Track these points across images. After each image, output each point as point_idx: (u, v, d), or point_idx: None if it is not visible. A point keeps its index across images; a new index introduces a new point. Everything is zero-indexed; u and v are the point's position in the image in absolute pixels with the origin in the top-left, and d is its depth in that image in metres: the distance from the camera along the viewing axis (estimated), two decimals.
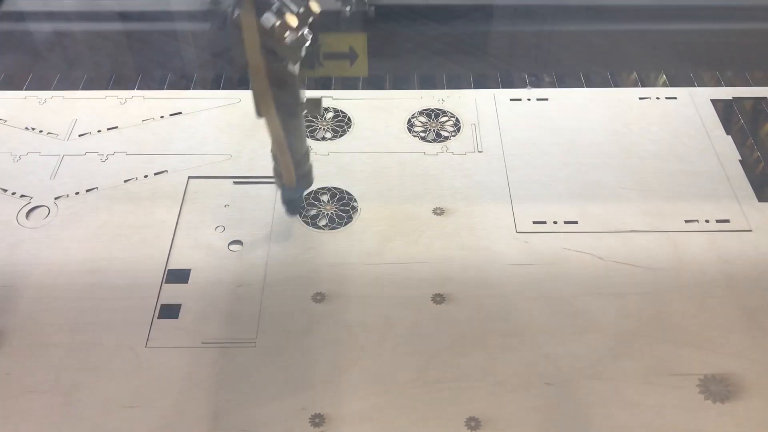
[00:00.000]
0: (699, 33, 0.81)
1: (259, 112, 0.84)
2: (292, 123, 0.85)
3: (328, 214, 1.08)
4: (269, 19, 0.73)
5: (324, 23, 0.74)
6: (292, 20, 0.72)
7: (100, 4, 0.82)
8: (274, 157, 0.94)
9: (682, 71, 1.26)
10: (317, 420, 0.84)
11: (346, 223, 1.07)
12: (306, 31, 0.74)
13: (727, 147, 1.18)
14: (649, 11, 0.80)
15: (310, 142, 1.20)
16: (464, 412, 0.84)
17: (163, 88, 1.34)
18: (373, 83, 1.28)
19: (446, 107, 1.26)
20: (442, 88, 1.34)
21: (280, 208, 1.08)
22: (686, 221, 1.06)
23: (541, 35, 0.81)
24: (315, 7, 0.73)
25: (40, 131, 1.22)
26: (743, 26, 0.80)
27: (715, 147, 1.18)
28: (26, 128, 1.22)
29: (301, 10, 0.73)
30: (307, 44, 0.75)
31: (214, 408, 0.85)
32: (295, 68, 0.78)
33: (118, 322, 0.94)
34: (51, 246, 1.03)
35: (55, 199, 1.10)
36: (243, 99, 1.28)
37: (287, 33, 0.73)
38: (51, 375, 0.88)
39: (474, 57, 0.80)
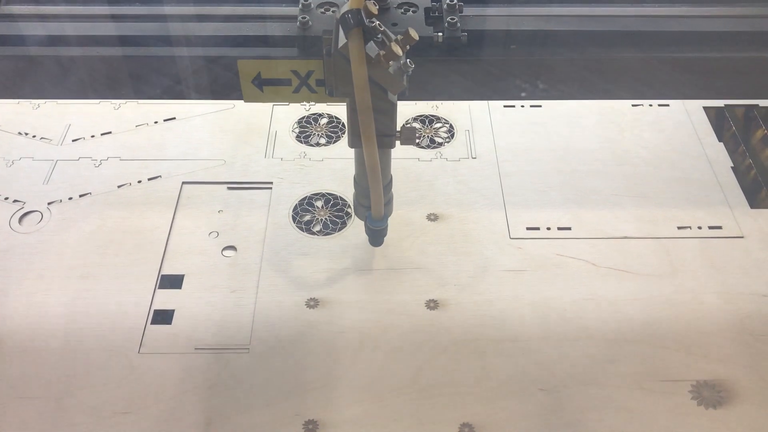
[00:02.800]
0: (691, 40, 0.81)
1: (354, 143, 0.81)
2: (384, 153, 0.83)
3: (321, 219, 1.08)
4: (372, 48, 0.71)
5: (416, 49, 0.72)
6: (398, 49, 0.69)
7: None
8: (357, 186, 0.91)
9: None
10: (310, 426, 0.84)
11: (339, 229, 1.07)
12: (408, 60, 0.72)
13: (719, 154, 1.19)
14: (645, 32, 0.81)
15: (304, 147, 1.20)
16: (458, 418, 0.85)
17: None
18: None
19: (440, 113, 1.27)
20: None
21: (275, 213, 1.08)
22: (679, 228, 1.07)
23: (533, 47, 0.81)
24: (414, 35, 0.70)
25: (34, 136, 1.22)
26: (735, 36, 0.81)
27: (707, 154, 1.19)
28: (19, 133, 1.22)
29: (400, 37, 0.70)
30: (409, 73, 0.73)
31: (208, 414, 0.85)
32: (395, 98, 0.77)
33: (111, 328, 0.93)
34: (44, 251, 1.03)
35: (48, 204, 1.10)
36: (237, 105, 1.28)
37: (391, 62, 0.71)
38: (43, 381, 0.88)
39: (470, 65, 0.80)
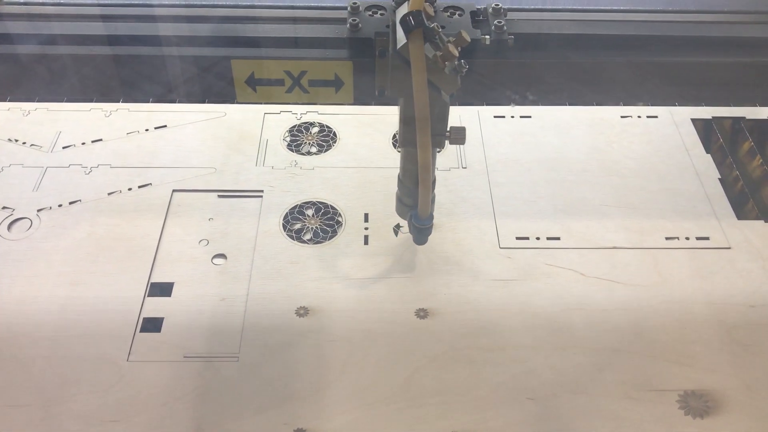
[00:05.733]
0: (681, 53, 0.83)
1: (406, 143, 0.83)
2: (433, 153, 0.85)
3: (312, 228, 1.09)
4: (428, 49, 0.73)
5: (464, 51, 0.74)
6: (455, 50, 0.72)
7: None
8: (402, 186, 0.92)
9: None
10: None
11: (330, 238, 1.07)
12: (462, 60, 0.74)
13: (706, 165, 1.20)
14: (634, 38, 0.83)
15: (295, 156, 1.20)
16: (447, 427, 0.85)
17: (148, 101, 1.34)
18: (359, 98, 1.29)
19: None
20: None
21: (266, 221, 1.08)
22: (667, 238, 1.07)
23: (524, 58, 0.82)
24: (466, 37, 0.72)
25: (24, 143, 1.21)
26: (723, 47, 0.83)
27: (695, 165, 1.20)
28: (9, 140, 1.22)
29: (452, 39, 0.72)
30: (463, 73, 0.74)
31: (197, 422, 0.84)
32: (448, 98, 0.78)
33: (100, 336, 0.93)
34: (33, 258, 1.02)
35: (38, 211, 1.09)
36: (228, 113, 1.29)
37: (447, 63, 0.73)
38: (31, 388, 0.87)
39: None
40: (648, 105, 1.32)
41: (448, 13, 0.82)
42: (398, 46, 0.73)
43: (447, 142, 0.83)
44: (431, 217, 0.92)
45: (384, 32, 0.79)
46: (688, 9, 0.85)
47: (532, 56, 0.82)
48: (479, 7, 0.82)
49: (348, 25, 0.80)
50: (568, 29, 0.82)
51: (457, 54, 0.72)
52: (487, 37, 0.78)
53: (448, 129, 0.82)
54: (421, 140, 0.79)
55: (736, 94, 0.88)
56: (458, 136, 0.82)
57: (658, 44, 0.83)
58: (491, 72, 0.82)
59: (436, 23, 0.73)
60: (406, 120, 0.80)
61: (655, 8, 0.85)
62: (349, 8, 0.81)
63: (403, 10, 0.73)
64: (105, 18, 0.83)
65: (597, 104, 1.32)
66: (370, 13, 0.82)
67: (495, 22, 0.80)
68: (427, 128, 0.77)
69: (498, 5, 0.81)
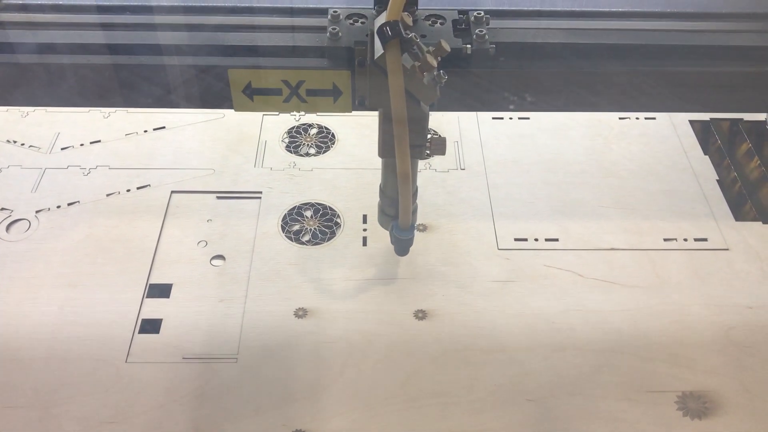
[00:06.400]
0: (679, 55, 0.83)
1: (386, 153, 0.82)
2: (412, 163, 0.84)
3: (311, 229, 1.09)
4: (407, 59, 0.72)
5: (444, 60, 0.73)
6: (433, 61, 0.71)
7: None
8: (383, 196, 0.91)
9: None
10: None
11: (329, 239, 1.07)
12: (441, 71, 0.73)
13: (704, 167, 1.20)
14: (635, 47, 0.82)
15: (293, 157, 1.20)
16: (446, 428, 0.85)
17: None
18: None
19: (429, 125, 1.27)
20: None
21: (264, 223, 1.08)
22: (665, 240, 1.08)
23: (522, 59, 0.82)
24: (446, 46, 0.71)
25: (22, 144, 1.21)
26: (722, 50, 0.83)
27: (692, 167, 1.20)
28: (8, 141, 1.22)
29: (431, 49, 0.72)
30: (442, 83, 0.73)
31: (195, 423, 0.84)
32: (426, 108, 0.77)
33: (99, 337, 0.93)
34: (32, 260, 1.02)
35: (36, 212, 1.09)
36: (227, 114, 1.29)
37: (426, 73, 0.72)
38: (29, 390, 0.87)
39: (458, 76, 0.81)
40: None
41: (430, 22, 0.81)
42: (375, 57, 0.72)
43: (428, 152, 0.82)
44: (413, 228, 0.91)
45: (363, 41, 0.78)
46: (683, 11, 0.85)
47: (520, 65, 0.81)
48: (461, 15, 0.81)
49: (328, 34, 0.78)
50: (553, 38, 0.82)
51: (435, 64, 0.71)
52: (469, 46, 0.77)
53: (429, 139, 0.81)
54: (400, 150, 0.78)
55: (734, 103, 0.87)
56: (438, 146, 0.82)
57: (647, 53, 0.82)
58: (470, 80, 0.81)
59: (414, 33, 0.72)
60: (385, 130, 0.79)
61: (634, 10, 0.85)
62: (329, 16, 0.80)
63: (381, 19, 0.72)
64: (101, 27, 0.83)
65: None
66: (351, 21, 0.81)
67: (476, 31, 0.79)
68: (405, 138, 0.77)
69: (480, 14, 0.80)
